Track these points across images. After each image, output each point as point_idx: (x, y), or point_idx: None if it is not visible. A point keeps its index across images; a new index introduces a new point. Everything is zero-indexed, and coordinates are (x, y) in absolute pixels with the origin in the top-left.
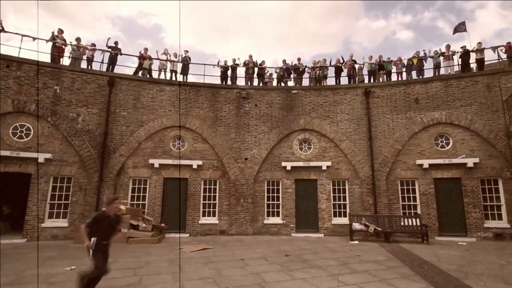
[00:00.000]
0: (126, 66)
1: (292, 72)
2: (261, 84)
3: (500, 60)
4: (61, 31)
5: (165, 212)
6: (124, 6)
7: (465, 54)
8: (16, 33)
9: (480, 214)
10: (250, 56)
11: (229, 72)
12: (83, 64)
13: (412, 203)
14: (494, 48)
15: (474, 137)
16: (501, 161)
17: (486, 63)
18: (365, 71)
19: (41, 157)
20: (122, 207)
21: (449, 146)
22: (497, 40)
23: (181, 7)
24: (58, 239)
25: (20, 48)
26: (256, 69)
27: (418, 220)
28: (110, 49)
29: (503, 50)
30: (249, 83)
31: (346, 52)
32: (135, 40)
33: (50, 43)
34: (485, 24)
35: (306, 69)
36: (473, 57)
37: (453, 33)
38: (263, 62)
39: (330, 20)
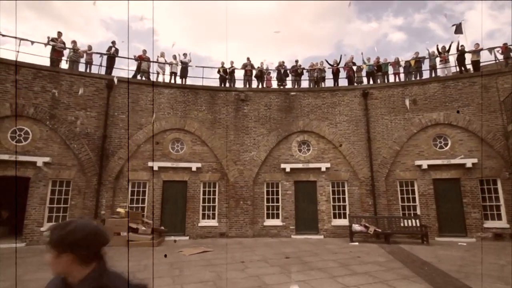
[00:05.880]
0: (121, 69)
1: (290, 73)
2: (259, 86)
3: (497, 61)
4: (60, 34)
5: (165, 215)
6: (117, 8)
7: (462, 55)
8: (15, 37)
9: (479, 215)
10: (248, 59)
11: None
12: (81, 67)
13: (411, 204)
14: (490, 49)
15: (473, 137)
16: (500, 161)
17: (482, 64)
18: (363, 73)
19: (40, 161)
20: (122, 210)
21: (447, 147)
22: (488, 42)
23: (173, 9)
24: None
25: (17, 52)
26: (254, 71)
27: (417, 221)
28: (108, 52)
29: (500, 51)
30: (247, 85)
31: (338, 55)
32: (128, 43)
33: (49, 47)
34: (475, 25)
35: (304, 71)
36: (468, 58)
37: (455, 33)
38: (261, 64)
39: (322, 22)
